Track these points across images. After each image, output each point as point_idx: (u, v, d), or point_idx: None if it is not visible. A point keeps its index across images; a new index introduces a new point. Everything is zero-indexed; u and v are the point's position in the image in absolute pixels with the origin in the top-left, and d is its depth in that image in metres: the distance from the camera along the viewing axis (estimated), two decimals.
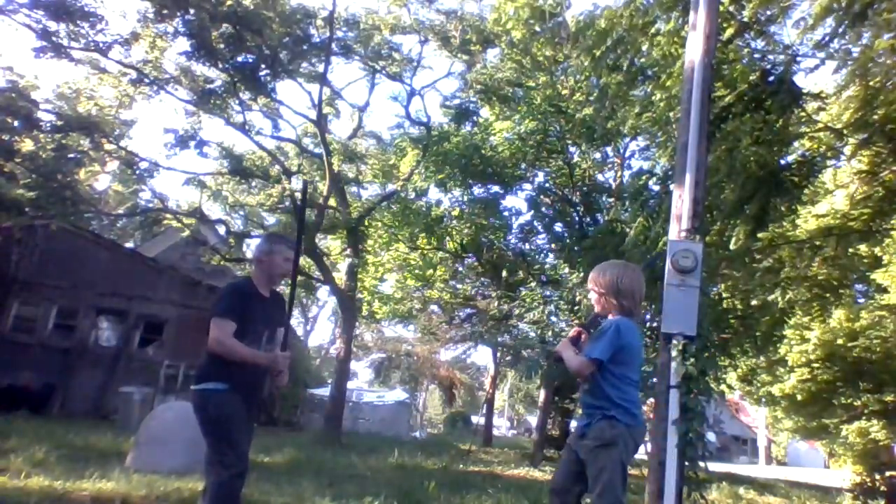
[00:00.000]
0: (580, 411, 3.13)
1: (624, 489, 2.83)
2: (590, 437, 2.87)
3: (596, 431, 2.84)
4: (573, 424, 18.18)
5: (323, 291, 28.20)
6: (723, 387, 15.75)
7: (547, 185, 15.36)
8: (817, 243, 9.09)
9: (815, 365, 15.29)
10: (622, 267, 3.15)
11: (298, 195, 16.07)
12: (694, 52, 5.11)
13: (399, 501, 5.78)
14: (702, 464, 4.51)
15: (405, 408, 24.38)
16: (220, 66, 13.52)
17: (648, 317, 12.25)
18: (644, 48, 7.16)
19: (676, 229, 4.85)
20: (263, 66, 13.59)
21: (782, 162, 7.27)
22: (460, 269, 18.81)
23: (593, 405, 2.91)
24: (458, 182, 15.08)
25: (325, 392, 18.76)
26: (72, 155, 15.18)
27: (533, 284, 15.45)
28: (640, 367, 3.04)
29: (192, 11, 12.46)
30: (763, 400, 22.30)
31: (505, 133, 14.50)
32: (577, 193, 14.49)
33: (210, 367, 3.18)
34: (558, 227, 15.38)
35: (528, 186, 15.51)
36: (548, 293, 14.50)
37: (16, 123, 13.46)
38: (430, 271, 17.96)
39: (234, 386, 3.14)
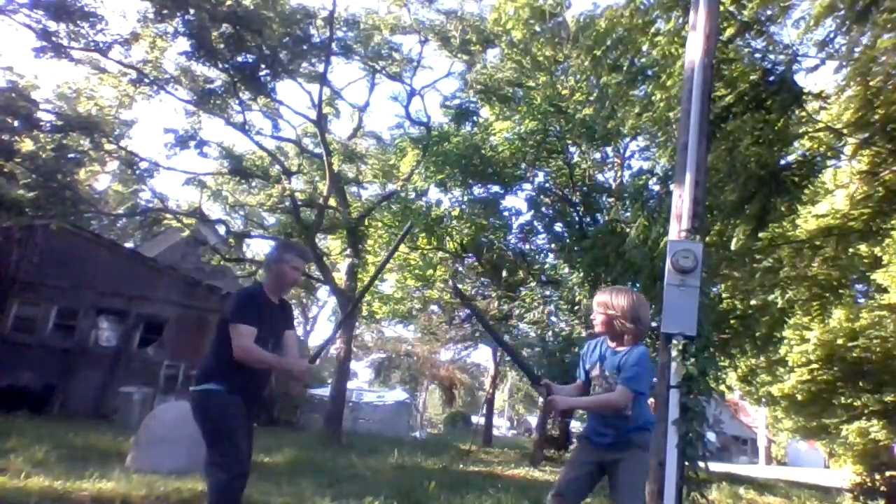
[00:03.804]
0: (598, 428, 3.20)
1: (645, 491, 3.23)
2: (629, 444, 3.03)
3: (634, 438, 3.04)
4: (574, 425, 18.18)
5: (323, 291, 28.19)
6: (723, 387, 15.75)
7: (547, 185, 15.35)
8: (817, 243, 9.10)
9: (815, 365, 15.29)
10: (634, 293, 3.18)
11: (298, 195, 16.10)
12: (694, 51, 5.11)
13: (399, 501, 5.78)
14: (702, 464, 4.50)
15: (405, 408, 24.39)
16: (220, 66, 13.51)
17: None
18: (644, 48, 7.16)
19: (676, 229, 4.84)
20: (263, 66, 13.57)
21: (782, 162, 7.27)
22: (460, 269, 18.80)
23: (625, 421, 3.05)
24: (458, 182, 15.06)
25: (325, 392, 18.77)
26: (72, 155, 15.16)
27: (533, 284, 15.45)
28: None
29: (192, 11, 12.45)
30: (763, 400, 22.31)
31: (505, 133, 14.49)
32: (577, 193, 14.48)
33: (213, 367, 3.18)
34: (558, 227, 15.38)
35: (528, 186, 15.50)
36: (548, 293, 14.53)
37: (16, 123, 13.44)
38: (430, 271, 17.95)
39: (235, 387, 3.14)
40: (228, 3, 12.23)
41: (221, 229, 18.90)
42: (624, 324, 3.04)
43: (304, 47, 14.03)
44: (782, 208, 7.65)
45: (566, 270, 13.84)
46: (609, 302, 3.09)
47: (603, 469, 3.10)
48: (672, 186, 5.32)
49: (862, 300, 14.92)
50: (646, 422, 3.11)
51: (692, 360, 4.43)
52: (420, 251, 17.18)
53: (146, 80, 14.25)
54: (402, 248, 17.30)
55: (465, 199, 15.84)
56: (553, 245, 15.79)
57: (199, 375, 3.22)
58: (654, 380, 3.29)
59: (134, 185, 23.28)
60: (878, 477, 11.52)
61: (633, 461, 3.03)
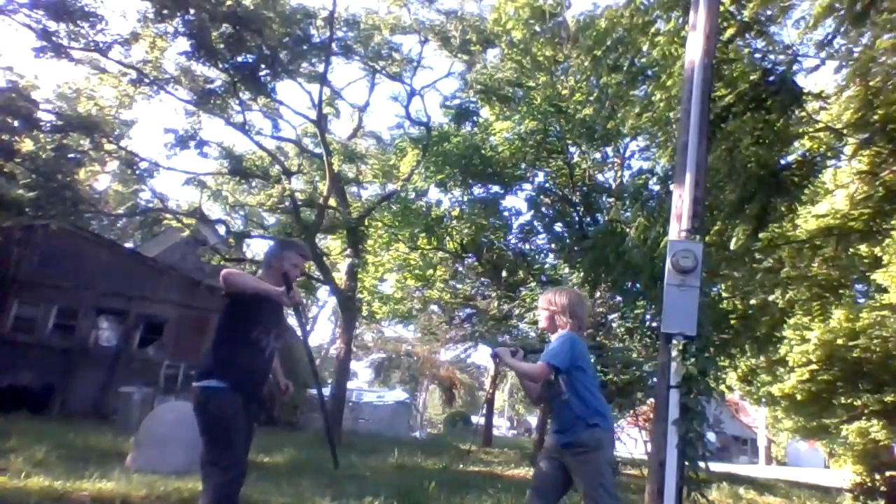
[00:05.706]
0: (554, 425, 3.36)
1: (613, 485, 3.14)
2: (579, 445, 3.12)
3: (584, 439, 3.12)
4: None
5: (323, 291, 28.19)
6: (723, 387, 15.75)
7: (547, 185, 15.35)
8: (817, 243, 9.11)
9: (815, 365, 15.27)
10: (574, 292, 3.60)
11: (298, 195, 16.10)
12: (694, 52, 5.11)
13: (399, 501, 5.78)
14: (702, 464, 4.50)
15: (405, 408, 24.39)
16: (220, 66, 13.50)
17: (648, 317, 12.28)
18: (644, 48, 7.16)
19: (676, 229, 4.84)
20: (263, 66, 13.57)
21: (782, 162, 7.28)
22: (460, 269, 18.80)
23: (574, 417, 3.17)
24: (458, 182, 15.07)
25: (325, 392, 18.74)
26: (72, 155, 15.17)
27: (533, 284, 15.43)
28: (595, 377, 3.41)
29: (192, 11, 12.45)
30: (763, 400, 22.29)
31: (505, 133, 14.49)
32: (577, 193, 14.48)
33: (213, 364, 3.16)
34: (558, 227, 15.39)
35: (528, 186, 15.51)
36: None
37: (16, 123, 13.44)
38: (430, 271, 17.95)
39: (236, 385, 3.13)
40: (228, 3, 12.23)
41: (221, 229, 18.90)
42: (561, 318, 3.34)
43: (304, 47, 14.02)
44: (782, 208, 7.65)
45: (566, 270, 13.84)
46: (552, 299, 3.41)
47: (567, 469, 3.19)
48: (672, 186, 5.32)
49: (862, 300, 14.90)
50: (592, 413, 3.13)
51: (692, 360, 4.43)
52: (420, 251, 17.18)
53: (146, 80, 14.24)
54: (402, 247, 17.33)
55: (465, 199, 15.84)
56: (553, 245, 15.80)
57: (199, 371, 3.21)
58: (585, 365, 3.30)
59: (134, 185, 23.31)
60: (878, 477, 11.51)
61: (584, 466, 3.10)
